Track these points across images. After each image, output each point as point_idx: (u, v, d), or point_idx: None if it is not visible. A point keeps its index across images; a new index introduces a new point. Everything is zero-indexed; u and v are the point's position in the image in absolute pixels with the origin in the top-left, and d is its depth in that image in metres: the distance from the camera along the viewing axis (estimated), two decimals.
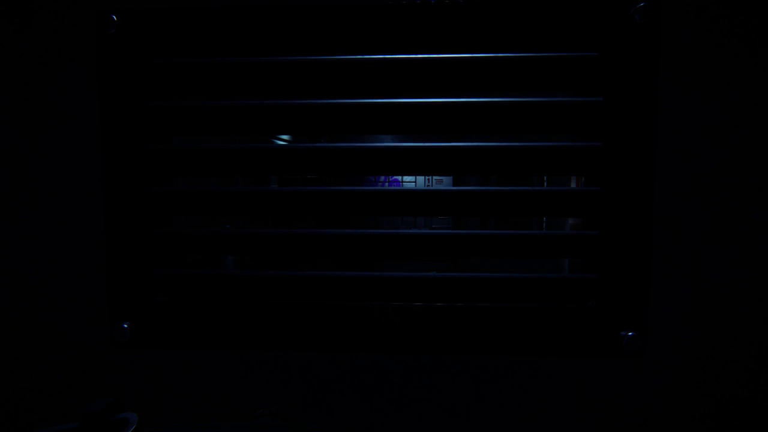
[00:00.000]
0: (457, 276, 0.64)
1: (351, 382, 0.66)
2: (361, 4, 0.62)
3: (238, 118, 0.64)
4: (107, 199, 0.65)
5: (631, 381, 0.64)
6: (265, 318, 0.65)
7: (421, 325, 0.64)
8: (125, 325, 0.65)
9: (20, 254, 0.67)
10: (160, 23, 0.63)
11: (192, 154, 0.65)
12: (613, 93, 0.61)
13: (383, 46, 0.63)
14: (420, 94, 0.63)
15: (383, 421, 0.66)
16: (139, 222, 0.65)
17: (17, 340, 0.67)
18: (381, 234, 0.64)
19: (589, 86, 0.62)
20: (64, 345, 0.67)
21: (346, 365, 0.66)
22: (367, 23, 0.62)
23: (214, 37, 0.64)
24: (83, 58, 0.65)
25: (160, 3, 0.64)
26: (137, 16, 0.63)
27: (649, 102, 0.60)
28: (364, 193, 0.63)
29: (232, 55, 0.64)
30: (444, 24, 0.62)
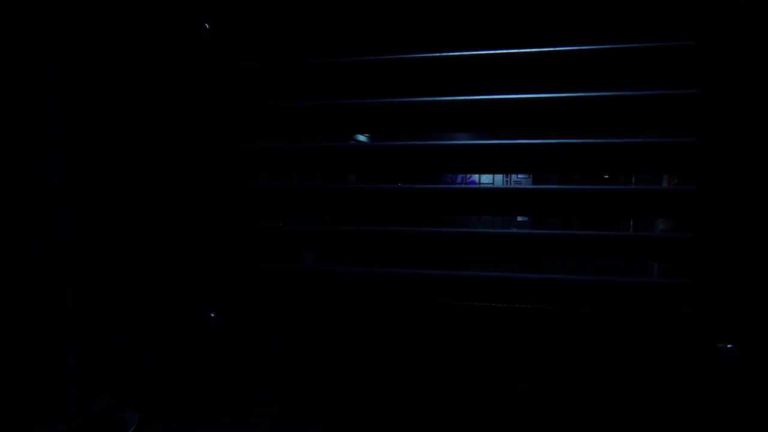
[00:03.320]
0: (537, 278, 0.62)
1: (425, 381, 0.66)
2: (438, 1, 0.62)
3: (321, 118, 0.66)
4: (198, 196, 0.70)
5: (727, 396, 0.59)
6: (344, 313, 0.67)
7: (497, 326, 0.63)
8: (212, 314, 0.70)
9: (119, 247, 0.73)
10: (248, 30, 0.67)
11: (277, 154, 0.68)
12: (711, 84, 0.56)
13: (463, 43, 0.62)
14: (502, 91, 0.62)
15: (449, 422, 0.66)
16: (227, 217, 0.69)
17: (119, 325, 0.74)
18: (460, 233, 0.63)
19: (684, 78, 0.58)
20: (156, 331, 0.73)
21: (418, 363, 0.66)
22: (446, 20, 0.62)
23: (299, 41, 0.66)
24: (178, 63, 0.70)
25: (248, 10, 0.68)
26: (228, 24, 0.68)
27: (753, 93, 0.55)
28: (441, 191, 0.63)
29: (317, 57, 0.67)
30: (523, 17, 0.60)
